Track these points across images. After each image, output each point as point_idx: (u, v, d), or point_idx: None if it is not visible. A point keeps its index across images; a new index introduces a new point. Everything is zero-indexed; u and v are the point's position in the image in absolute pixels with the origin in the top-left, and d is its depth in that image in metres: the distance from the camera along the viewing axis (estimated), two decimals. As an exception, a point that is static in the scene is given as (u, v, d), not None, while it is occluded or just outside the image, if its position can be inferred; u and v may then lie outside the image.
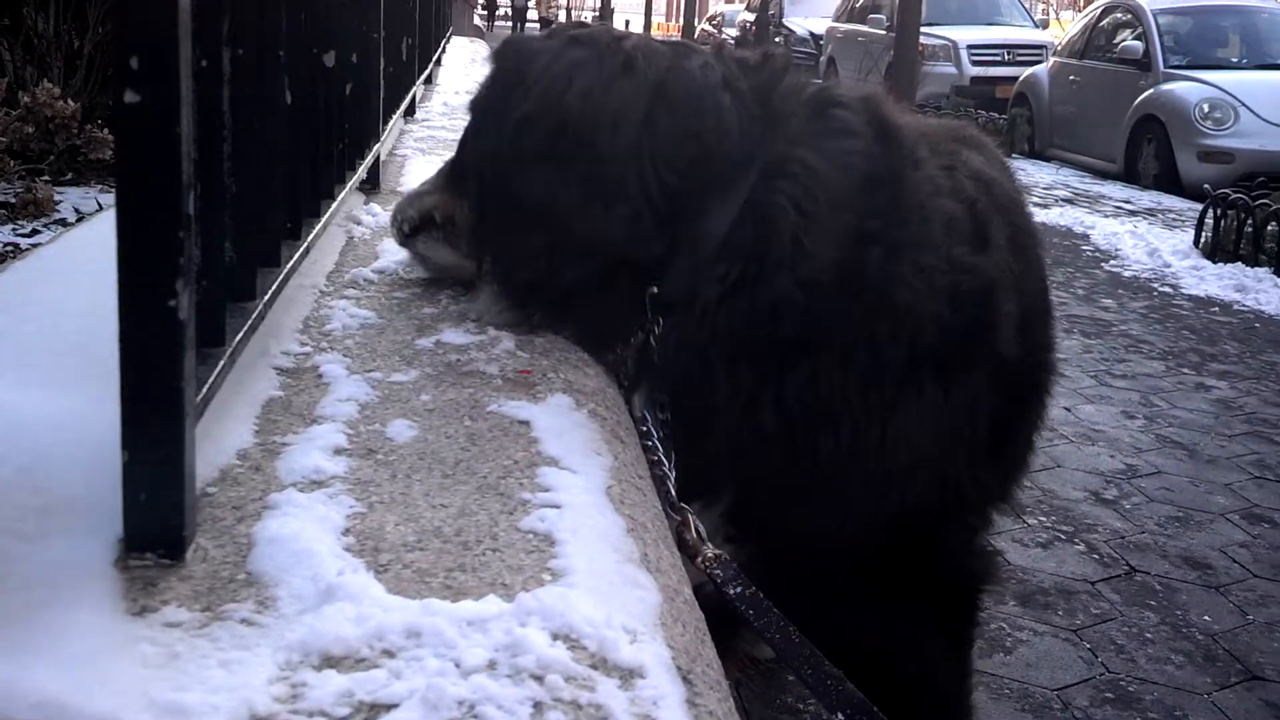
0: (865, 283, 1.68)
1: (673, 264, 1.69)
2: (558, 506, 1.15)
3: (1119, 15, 15.21)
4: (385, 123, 2.87)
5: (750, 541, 1.79)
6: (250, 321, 1.27)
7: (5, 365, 1.31)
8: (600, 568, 1.05)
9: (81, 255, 2.10)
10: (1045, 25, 25.22)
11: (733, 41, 30.54)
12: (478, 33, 15.81)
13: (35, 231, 3.25)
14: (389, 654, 0.86)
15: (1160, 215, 10.95)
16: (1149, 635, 3.22)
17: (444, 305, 1.84)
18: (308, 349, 1.54)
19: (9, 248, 3.02)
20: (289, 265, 1.51)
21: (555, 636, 0.90)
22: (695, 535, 1.46)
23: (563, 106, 1.69)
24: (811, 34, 25.07)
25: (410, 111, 4.21)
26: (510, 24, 35.17)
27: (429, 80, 5.66)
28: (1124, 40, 14.63)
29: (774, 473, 1.73)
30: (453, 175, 1.90)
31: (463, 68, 7.96)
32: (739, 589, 1.39)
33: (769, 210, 1.67)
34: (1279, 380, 5.94)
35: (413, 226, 1.92)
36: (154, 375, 0.94)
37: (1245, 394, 5.65)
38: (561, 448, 1.32)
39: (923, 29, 18.07)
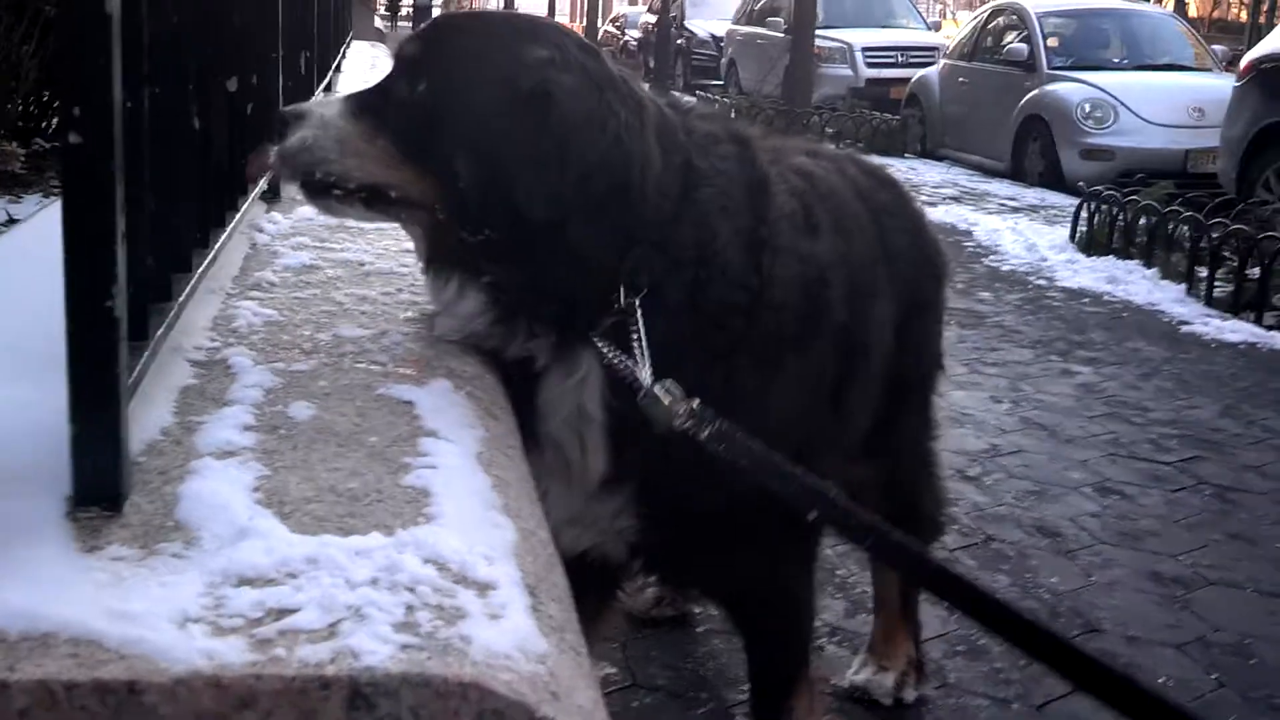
0: (760, 285, 1.97)
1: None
2: (434, 467, 1.38)
3: (1005, 18, 15.73)
4: (285, 137, 3.07)
5: (655, 519, 2.06)
6: (168, 320, 1.49)
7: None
8: (466, 512, 1.28)
9: (5, 263, 2.29)
10: (938, 27, 25.88)
11: (635, 43, 30.83)
12: (379, 35, 15.91)
13: (-52, 242, 3.38)
14: (292, 575, 1.09)
15: (1043, 211, 11.42)
16: (1000, 595, 3.53)
17: (341, 305, 2.06)
18: (217, 344, 1.76)
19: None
20: (199, 270, 1.73)
21: (426, 560, 1.13)
22: (671, 396, 1.79)
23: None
24: (713, 36, 25.41)
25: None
26: (412, 25, 35.09)
27: (329, 88, 5.83)
28: (1010, 43, 15.15)
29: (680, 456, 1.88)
30: (412, 148, 1.85)
31: (363, 72, 8.11)
32: (710, 429, 1.76)
33: (706, 216, 1.95)
34: (1140, 365, 6.34)
35: (334, 187, 1.88)
36: (95, 363, 1.15)
37: (1108, 378, 6.04)
38: (441, 422, 1.55)
39: (819, 32, 18.50)
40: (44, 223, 3.05)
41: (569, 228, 1.83)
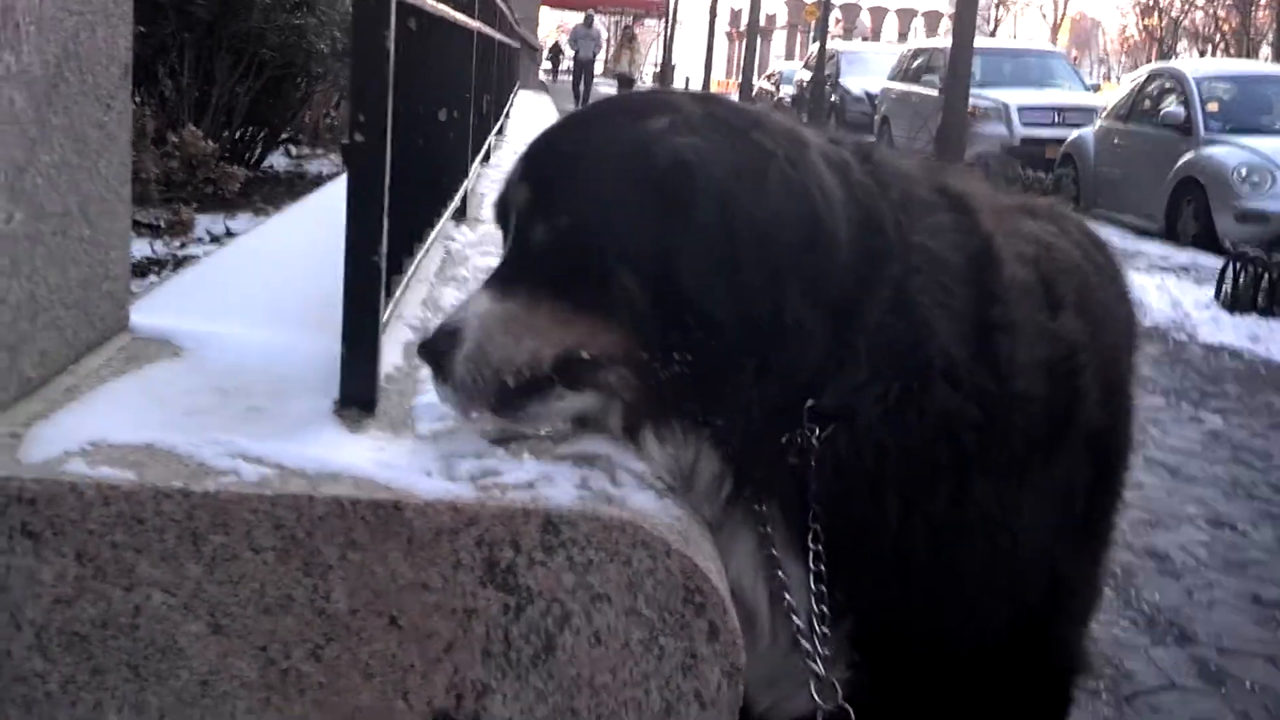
0: (999, 376, 1.61)
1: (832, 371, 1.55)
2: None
3: (1163, 81, 15.75)
4: (470, 164, 3.56)
5: (871, 665, 1.66)
6: (404, 282, 1.93)
7: (244, 313, 1.99)
8: (625, 431, 1.69)
9: (250, 254, 2.80)
10: (1097, 89, 25.74)
11: (789, 99, 31.31)
12: (541, 87, 16.67)
13: (183, 245, 3.96)
14: (501, 456, 1.50)
15: (1193, 272, 11.43)
16: (1103, 606, 3.80)
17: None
18: (428, 315, 2.20)
19: (169, 256, 3.73)
20: (419, 255, 2.17)
21: (594, 454, 1.54)
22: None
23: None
24: (867, 93, 25.69)
25: (486, 157, 4.91)
26: (573, 77, 36.13)
27: (500, 131, 6.37)
28: (1167, 106, 15.13)
29: (908, 591, 1.63)
30: (580, 293, 1.53)
31: (527, 119, 8.71)
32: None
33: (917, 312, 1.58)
34: (1272, 417, 6.47)
35: (524, 383, 1.54)
36: (363, 302, 1.59)
37: (1236, 427, 6.19)
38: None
39: (976, 91, 18.68)
40: (276, 231, 3.59)
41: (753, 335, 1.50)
